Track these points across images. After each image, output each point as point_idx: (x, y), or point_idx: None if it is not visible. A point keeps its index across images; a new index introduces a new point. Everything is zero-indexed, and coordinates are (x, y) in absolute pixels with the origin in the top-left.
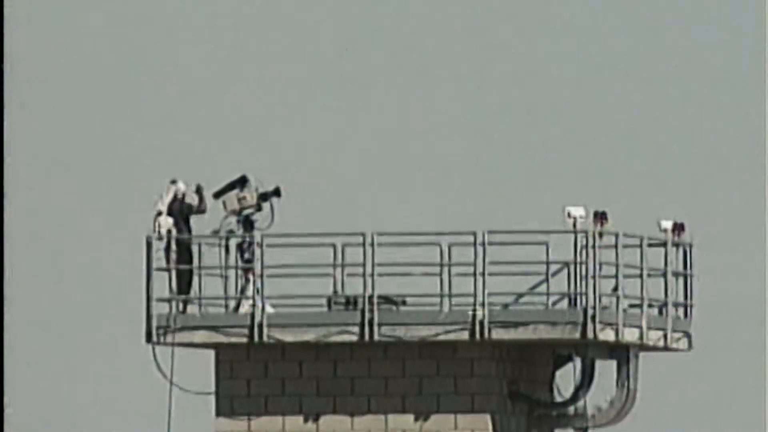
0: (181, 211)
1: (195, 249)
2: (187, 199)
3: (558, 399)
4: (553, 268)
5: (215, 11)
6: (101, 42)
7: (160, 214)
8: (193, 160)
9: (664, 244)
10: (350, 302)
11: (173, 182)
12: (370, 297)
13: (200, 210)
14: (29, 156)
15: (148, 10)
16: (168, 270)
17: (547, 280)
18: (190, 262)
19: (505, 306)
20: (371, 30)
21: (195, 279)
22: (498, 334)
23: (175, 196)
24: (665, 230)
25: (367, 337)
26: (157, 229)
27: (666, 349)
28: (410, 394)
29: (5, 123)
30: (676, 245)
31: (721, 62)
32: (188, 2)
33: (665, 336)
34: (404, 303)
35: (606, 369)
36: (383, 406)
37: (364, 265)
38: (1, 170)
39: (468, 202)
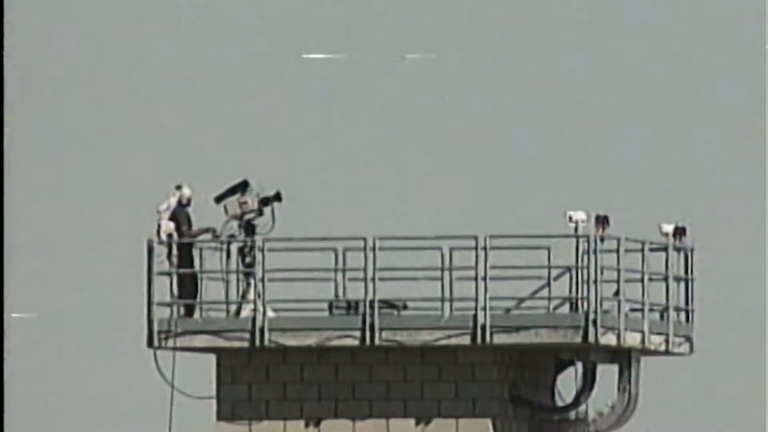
0: (183, 217)
1: (196, 254)
2: (191, 208)
3: (559, 403)
4: (555, 272)
5: (219, 14)
6: (104, 44)
7: (160, 215)
8: (194, 165)
9: (665, 249)
10: (351, 306)
11: (178, 187)
12: (372, 301)
13: (188, 233)
14: (30, 159)
15: (152, 14)
16: (169, 274)
17: (548, 284)
18: (192, 267)
19: (507, 310)
20: (372, 33)
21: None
22: (499, 338)
23: (179, 202)
24: (667, 234)
25: (368, 341)
26: (158, 233)
27: (667, 353)
28: (411, 398)
29: (5, 124)
30: (678, 249)
31: (723, 66)
32: (192, 6)
33: (667, 340)
34: (405, 307)
35: (607, 373)
36: (384, 411)
37: (365, 269)
38: (2, 173)
39: (469, 206)
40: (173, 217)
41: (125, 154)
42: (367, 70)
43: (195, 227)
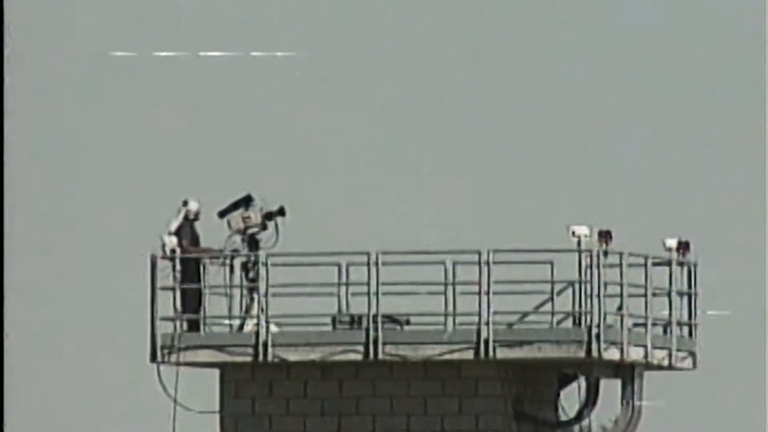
0: (186, 232)
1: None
2: (198, 224)
3: (563, 418)
4: (558, 286)
5: (223, 26)
6: (108, 56)
7: (170, 234)
8: (198, 179)
9: (668, 263)
10: (355, 321)
11: (185, 203)
12: (375, 316)
13: (189, 249)
14: (32, 171)
15: (156, 24)
16: (172, 289)
17: (551, 299)
18: (200, 282)
19: (510, 325)
20: (374, 50)
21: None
22: (503, 353)
23: (186, 217)
24: (670, 249)
25: (371, 356)
26: (163, 248)
27: (670, 367)
28: (415, 413)
29: (6, 136)
30: (681, 264)
31: (725, 79)
32: (196, 18)
33: (670, 355)
34: (409, 322)
35: (611, 388)
36: (388, 426)
37: (368, 284)
38: (2, 185)
39: (472, 221)
40: (177, 232)
41: (129, 169)
42: (368, 84)
43: (202, 243)
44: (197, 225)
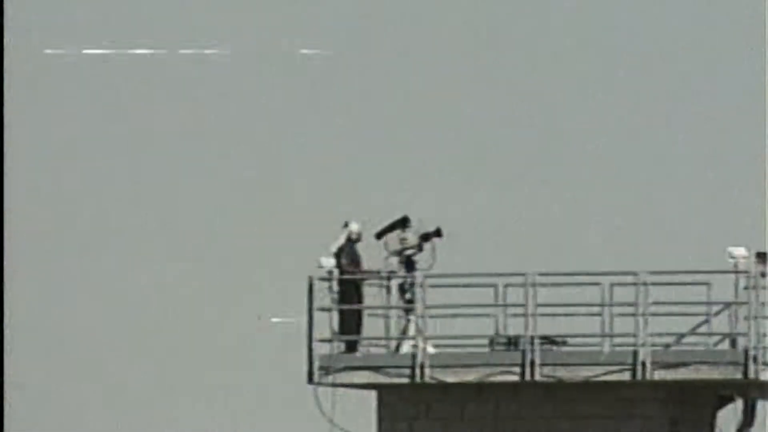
0: (346, 253)
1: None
2: (360, 245)
3: None
4: (715, 308)
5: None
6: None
7: (330, 255)
8: (356, 202)
9: None
10: (512, 342)
11: (346, 225)
12: (532, 337)
13: (349, 269)
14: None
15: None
16: (329, 310)
17: (708, 320)
18: (360, 302)
19: (667, 346)
20: (541, 72)
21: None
22: (660, 374)
23: (348, 238)
24: None
25: (528, 377)
26: (321, 269)
27: None
28: None
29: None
30: None
31: None
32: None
33: None
34: (565, 343)
35: None
36: None
37: (525, 305)
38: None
39: (629, 243)
40: (337, 253)
41: (291, 193)
42: (514, 108)
43: (364, 264)
44: (356, 247)
